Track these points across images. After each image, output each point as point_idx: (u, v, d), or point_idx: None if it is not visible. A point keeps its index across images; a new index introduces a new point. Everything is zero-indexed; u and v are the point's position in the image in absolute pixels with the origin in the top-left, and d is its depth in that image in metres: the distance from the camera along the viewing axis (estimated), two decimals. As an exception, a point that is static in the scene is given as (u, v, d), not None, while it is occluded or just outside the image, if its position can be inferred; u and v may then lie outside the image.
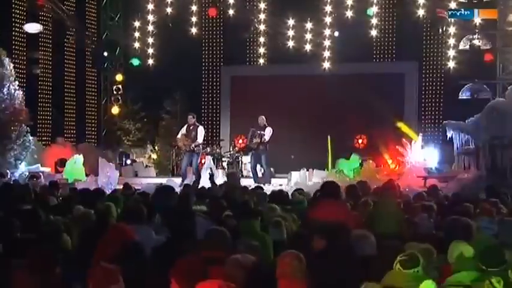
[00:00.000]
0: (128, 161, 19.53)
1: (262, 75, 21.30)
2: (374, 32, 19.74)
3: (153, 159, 20.43)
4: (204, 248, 4.99)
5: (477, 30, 18.64)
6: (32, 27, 18.05)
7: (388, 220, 6.75)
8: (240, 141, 19.91)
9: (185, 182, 13.66)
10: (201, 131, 15.68)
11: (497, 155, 15.36)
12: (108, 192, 10.04)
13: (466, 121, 16.20)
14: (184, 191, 9.68)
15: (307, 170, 17.05)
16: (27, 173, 15.15)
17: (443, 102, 20.40)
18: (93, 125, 21.77)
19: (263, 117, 16.51)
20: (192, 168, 15.78)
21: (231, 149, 19.24)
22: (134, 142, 20.97)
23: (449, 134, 16.50)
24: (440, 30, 19.55)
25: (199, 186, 11.96)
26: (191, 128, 15.74)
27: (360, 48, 20.02)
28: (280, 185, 14.97)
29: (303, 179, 16.42)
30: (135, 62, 20.51)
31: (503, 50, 18.32)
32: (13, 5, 18.42)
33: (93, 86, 21.76)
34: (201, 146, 15.96)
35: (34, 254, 4.47)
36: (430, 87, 20.75)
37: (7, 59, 16.27)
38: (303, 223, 6.87)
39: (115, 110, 20.85)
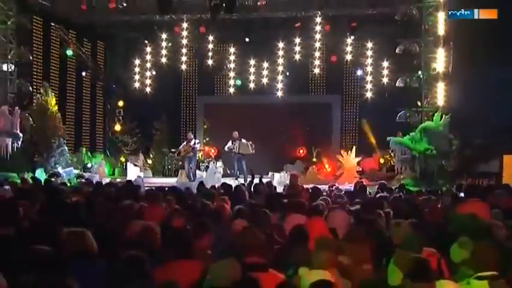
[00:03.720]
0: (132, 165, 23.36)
1: (229, 103, 24.69)
2: (316, 70, 23.63)
3: (149, 164, 24.58)
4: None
5: (388, 73, 22.51)
6: None
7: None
8: (213, 150, 24.15)
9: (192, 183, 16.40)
10: (197, 142, 20.15)
11: (428, 162, 18.42)
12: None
13: (404, 137, 19.24)
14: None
15: (286, 172, 19.99)
16: (72, 174, 18.96)
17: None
18: (101, 138, 25.71)
19: (236, 132, 19.71)
20: (192, 170, 19.62)
21: (208, 158, 23.59)
22: (131, 152, 24.79)
23: (392, 147, 19.56)
24: (359, 72, 23.90)
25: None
26: (189, 141, 19.99)
27: (301, 84, 24.60)
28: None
29: (283, 179, 18.60)
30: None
31: (426, 87, 21.05)
32: (51, 51, 22.39)
33: (101, 109, 25.80)
34: (197, 148, 19.88)
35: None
36: (349, 114, 25.27)
37: (50, 90, 20.37)
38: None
39: (117, 127, 25.35)
